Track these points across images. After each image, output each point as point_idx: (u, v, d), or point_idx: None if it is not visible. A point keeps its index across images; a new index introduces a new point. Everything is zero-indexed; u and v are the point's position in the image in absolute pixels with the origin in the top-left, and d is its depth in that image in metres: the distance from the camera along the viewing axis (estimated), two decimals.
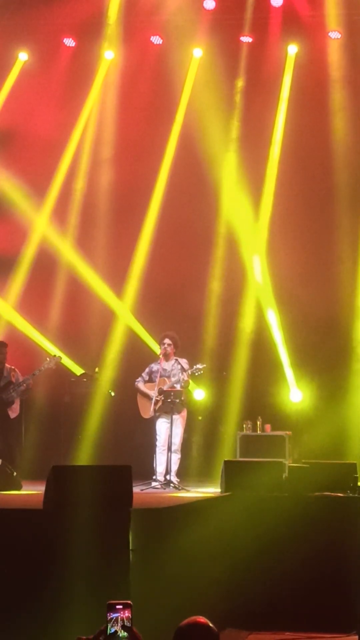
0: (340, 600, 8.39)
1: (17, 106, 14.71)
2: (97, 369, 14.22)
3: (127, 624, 3.84)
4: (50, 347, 14.05)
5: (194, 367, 12.14)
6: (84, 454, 13.21)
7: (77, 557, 6.71)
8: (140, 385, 12.27)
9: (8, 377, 12.12)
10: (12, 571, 6.84)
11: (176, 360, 12.16)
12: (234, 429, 13.18)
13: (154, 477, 11.79)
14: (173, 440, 11.88)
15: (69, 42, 14.79)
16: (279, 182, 14.50)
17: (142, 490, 10.87)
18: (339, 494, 9.03)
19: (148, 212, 14.59)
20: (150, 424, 12.16)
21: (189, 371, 12.07)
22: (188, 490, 11.11)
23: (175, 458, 11.92)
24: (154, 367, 12.27)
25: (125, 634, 3.83)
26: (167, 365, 12.18)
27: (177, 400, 11.91)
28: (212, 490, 10.69)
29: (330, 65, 14.38)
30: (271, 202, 14.47)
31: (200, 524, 8.09)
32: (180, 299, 14.18)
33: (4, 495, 9.92)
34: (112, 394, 14.12)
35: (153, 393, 12.04)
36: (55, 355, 12.78)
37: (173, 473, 11.77)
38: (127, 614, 3.86)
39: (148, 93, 14.69)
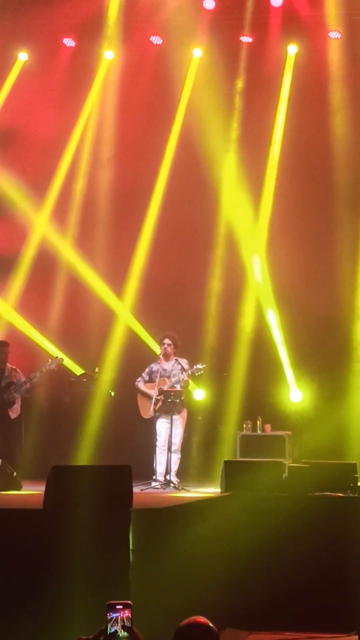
0: (340, 600, 8.40)
1: (17, 106, 14.72)
2: (97, 369, 14.22)
3: (127, 624, 3.84)
4: (51, 348, 14.05)
5: (194, 367, 12.14)
6: (84, 454, 13.21)
7: (77, 557, 6.71)
8: (141, 385, 12.27)
9: (9, 377, 12.11)
10: (12, 571, 6.84)
11: (176, 360, 12.16)
12: (234, 429, 13.17)
13: (154, 477, 11.79)
14: (173, 440, 11.89)
15: (69, 42, 14.80)
16: (278, 182, 14.50)
17: (142, 490, 10.87)
18: (339, 494, 9.03)
19: (148, 212, 14.59)
20: (150, 424, 12.16)
21: (189, 371, 12.08)
22: (188, 490, 11.11)
23: (175, 458, 11.92)
24: (154, 367, 12.27)
25: (126, 634, 3.83)
26: (167, 365, 12.18)
27: (177, 401, 11.91)
28: (212, 490, 10.69)
29: (330, 65, 14.38)
30: (271, 202, 14.47)
31: (200, 524, 8.09)
32: (180, 299, 14.18)
33: (4, 495, 9.92)
34: (112, 394, 14.12)
35: (153, 393, 12.05)
36: (57, 357, 12.78)
37: (173, 473, 11.77)
38: (127, 614, 3.86)
39: (148, 93, 14.69)
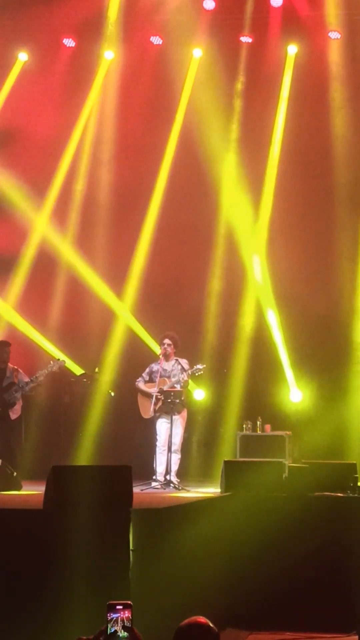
0: (340, 600, 8.41)
1: (17, 106, 14.71)
2: (97, 369, 14.22)
3: (127, 624, 3.84)
4: (51, 348, 14.06)
5: (194, 367, 12.14)
6: (84, 454, 13.22)
7: (77, 557, 6.71)
8: (141, 385, 12.27)
9: (11, 377, 12.11)
10: (12, 571, 6.84)
11: (176, 360, 12.16)
12: (234, 429, 13.17)
13: (154, 477, 11.79)
14: (173, 441, 11.89)
15: (69, 42, 14.79)
16: (278, 181, 14.49)
17: (142, 490, 10.87)
18: (339, 494, 9.03)
19: (148, 212, 14.59)
20: (150, 424, 12.16)
21: (189, 371, 12.08)
22: (188, 490, 11.11)
23: (175, 458, 11.92)
24: (155, 367, 12.27)
25: (126, 634, 3.83)
26: (168, 365, 12.18)
27: (177, 401, 11.91)
28: (212, 490, 10.69)
29: (330, 65, 14.37)
30: (271, 202, 14.47)
31: (200, 524, 8.09)
32: (180, 299, 14.19)
33: (4, 495, 9.92)
34: (112, 394, 14.12)
35: (154, 390, 12.04)
36: (59, 359, 12.77)
37: (173, 473, 11.77)
38: (127, 614, 3.86)
39: (148, 93, 14.69)
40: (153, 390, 12.06)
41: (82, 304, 14.51)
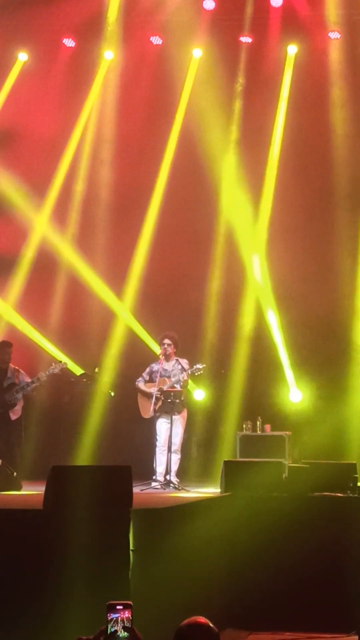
0: (340, 600, 8.41)
1: (17, 106, 14.71)
2: (97, 369, 14.22)
3: (127, 624, 3.84)
4: (51, 348, 14.05)
5: (194, 366, 12.14)
6: (84, 454, 13.22)
7: (77, 557, 6.70)
8: (141, 385, 12.27)
9: (12, 378, 12.11)
10: (12, 571, 6.84)
11: (177, 360, 12.17)
12: (234, 429, 13.17)
13: (154, 477, 11.79)
14: (173, 441, 11.89)
15: (69, 42, 14.79)
16: (278, 181, 14.50)
17: (142, 490, 10.86)
18: (339, 494, 9.03)
19: (148, 212, 14.59)
20: (150, 424, 12.16)
21: (189, 371, 12.08)
22: (188, 490, 11.11)
23: (175, 458, 11.92)
24: (155, 367, 12.27)
25: (126, 634, 3.83)
26: (168, 365, 12.18)
27: (177, 401, 11.91)
28: (212, 490, 10.69)
29: (330, 65, 14.38)
30: (271, 202, 14.47)
31: (200, 524, 8.09)
32: (180, 299, 14.19)
33: (4, 495, 9.92)
34: (112, 394, 14.12)
35: (153, 390, 12.04)
36: (61, 361, 12.77)
37: (173, 473, 11.77)
38: (127, 614, 3.86)
39: (148, 93, 14.69)
40: (153, 390, 12.06)
41: (82, 304, 14.52)
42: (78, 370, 14.16)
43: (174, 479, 11.69)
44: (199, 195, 14.48)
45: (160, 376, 12.09)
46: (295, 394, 13.93)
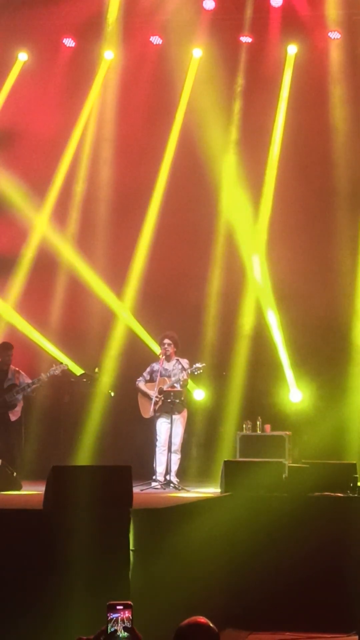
0: (340, 600, 8.41)
1: (17, 106, 14.71)
2: (97, 369, 14.22)
3: (128, 624, 3.84)
4: (51, 348, 14.05)
5: (194, 366, 12.14)
6: (84, 454, 13.21)
7: (77, 557, 6.71)
8: (141, 384, 12.26)
9: (12, 379, 12.12)
10: (12, 571, 6.84)
11: (177, 360, 12.17)
12: (234, 429, 13.16)
13: (154, 477, 11.79)
14: (173, 441, 11.88)
15: (69, 42, 14.80)
16: (278, 181, 14.50)
17: (142, 490, 10.86)
18: (339, 494, 9.04)
19: (148, 212, 14.59)
20: (150, 424, 12.16)
21: (189, 370, 12.08)
22: (188, 490, 11.11)
23: (175, 458, 11.92)
24: (155, 366, 12.27)
25: (126, 634, 3.83)
26: (169, 365, 12.18)
27: (177, 400, 11.91)
28: (212, 490, 10.69)
29: (330, 65, 14.38)
30: (271, 202, 14.47)
31: (200, 524, 8.10)
32: (180, 299, 14.19)
33: (4, 495, 9.92)
34: (112, 394, 14.12)
35: (153, 393, 12.04)
36: (61, 363, 12.77)
37: (173, 473, 11.77)
38: (127, 614, 3.86)
39: (148, 93, 14.69)
40: (152, 392, 12.05)
41: (82, 304, 14.51)
42: (78, 371, 14.16)
43: (174, 479, 11.69)
44: (199, 195, 14.48)
45: (161, 376, 12.09)
46: (295, 394, 13.93)
